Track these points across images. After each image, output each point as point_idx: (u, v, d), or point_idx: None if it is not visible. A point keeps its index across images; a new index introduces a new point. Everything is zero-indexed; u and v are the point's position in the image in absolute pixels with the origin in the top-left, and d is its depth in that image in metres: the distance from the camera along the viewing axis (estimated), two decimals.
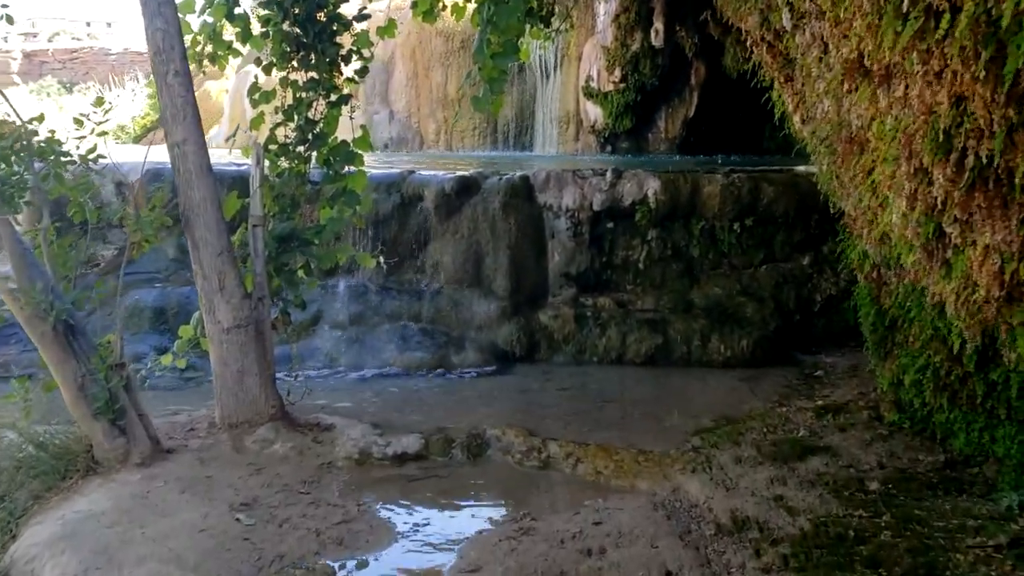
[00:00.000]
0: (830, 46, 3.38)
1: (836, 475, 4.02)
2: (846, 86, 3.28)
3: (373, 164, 7.50)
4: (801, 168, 7.02)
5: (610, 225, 6.82)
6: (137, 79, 18.76)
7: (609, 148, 18.41)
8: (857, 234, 4.90)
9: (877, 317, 5.07)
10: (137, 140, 15.65)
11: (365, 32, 5.05)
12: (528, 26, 5.06)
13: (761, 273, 6.74)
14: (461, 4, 5.49)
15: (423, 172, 6.95)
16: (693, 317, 6.41)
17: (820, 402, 5.15)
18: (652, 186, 6.69)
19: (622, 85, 16.79)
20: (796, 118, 4.82)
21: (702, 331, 6.27)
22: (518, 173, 6.84)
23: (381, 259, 5.93)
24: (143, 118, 16.54)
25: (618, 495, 3.89)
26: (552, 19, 5.61)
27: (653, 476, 4.09)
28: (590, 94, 17.12)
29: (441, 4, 5.45)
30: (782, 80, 4.71)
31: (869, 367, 5.39)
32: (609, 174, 6.75)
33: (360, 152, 5.03)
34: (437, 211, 6.73)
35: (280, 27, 4.88)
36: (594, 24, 17.29)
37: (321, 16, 4.89)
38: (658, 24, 15.60)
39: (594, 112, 17.98)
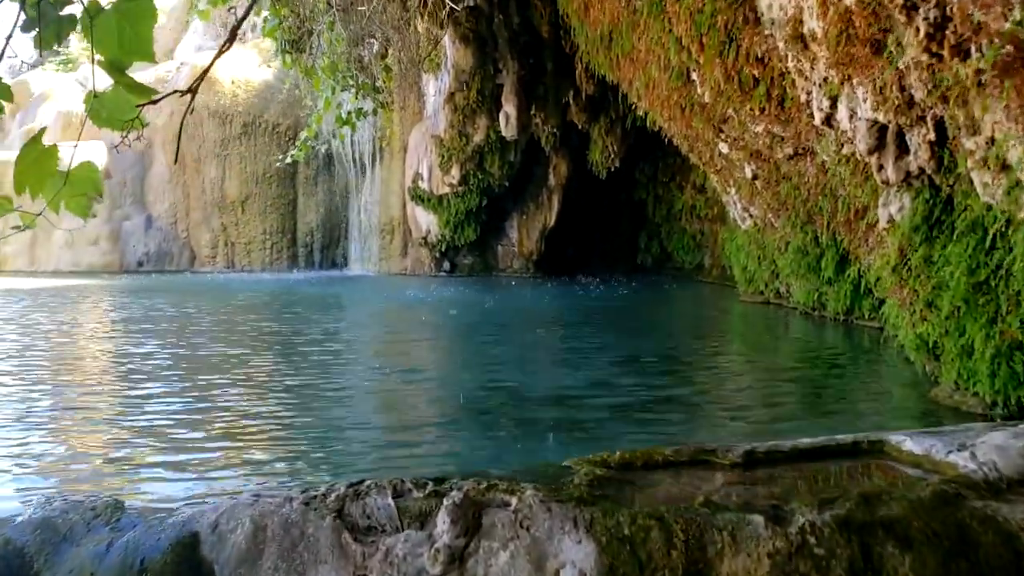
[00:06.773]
0: None
1: None
2: None
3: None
4: (952, 460, 2.78)
5: None
6: None
7: (447, 265, 14.07)
8: None
9: None
10: None
11: None
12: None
13: None
14: None
15: None
16: None
17: None
18: (573, 558, 2.21)
19: (461, 188, 12.57)
20: None
21: None
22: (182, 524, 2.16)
23: None
24: None
25: None
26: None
27: None
28: (420, 197, 12.70)
29: None
30: None
31: None
32: (443, 519, 2.21)
33: None
34: None
35: None
36: (422, 106, 13.05)
37: None
38: (509, 107, 11.53)
39: (426, 220, 13.48)
